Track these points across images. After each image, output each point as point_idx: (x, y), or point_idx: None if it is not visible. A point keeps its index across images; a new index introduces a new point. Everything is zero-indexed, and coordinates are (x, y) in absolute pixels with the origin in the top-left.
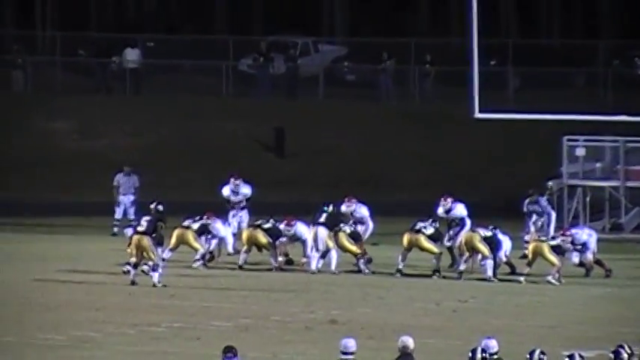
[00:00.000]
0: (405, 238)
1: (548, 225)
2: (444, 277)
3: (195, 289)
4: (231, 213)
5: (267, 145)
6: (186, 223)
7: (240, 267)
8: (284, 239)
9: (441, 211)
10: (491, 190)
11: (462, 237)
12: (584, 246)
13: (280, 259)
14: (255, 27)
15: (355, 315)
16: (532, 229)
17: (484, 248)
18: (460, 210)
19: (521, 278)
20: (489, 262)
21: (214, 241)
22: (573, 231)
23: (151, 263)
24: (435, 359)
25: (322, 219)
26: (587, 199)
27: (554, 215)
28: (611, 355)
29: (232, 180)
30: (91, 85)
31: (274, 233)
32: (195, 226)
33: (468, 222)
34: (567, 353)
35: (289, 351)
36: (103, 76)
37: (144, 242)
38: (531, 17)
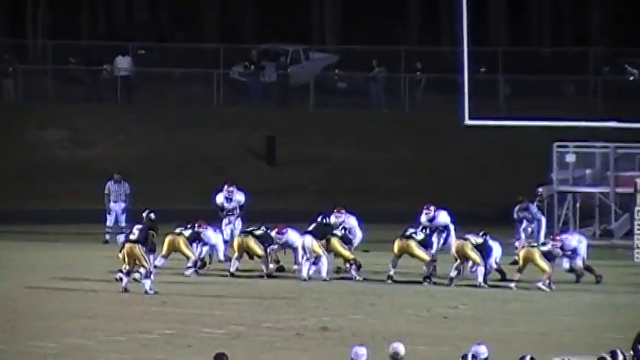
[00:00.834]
0: (396, 245)
1: (539, 231)
2: (435, 284)
3: (187, 296)
4: (225, 221)
5: (258, 154)
6: (177, 230)
7: (232, 274)
8: (275, 246)
9: (424, 219)
10: (482, 197)
11: (454, 245)
12: (574, 252)
13: (271, 266)
14: (245, 35)
15: (346, 322)
16: (522, 235)
17: (475, 256)
18: (443, 217)
19: (512, 284)
20: (480, 269)
21: (205, 249)
22: (563, 237)
23: (143, 271)
24: None
25: (311, 227)
26: (577, 205)
27: (544, 221)
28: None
29: (226, 187)
30: (82, 94)
31: (265, 240)
32: (187, 233)
33: (452, 229)
34: (558, 359)
35: (281, 358)
36: (94, 85)
37: (136, 251)
38: (521, 25)
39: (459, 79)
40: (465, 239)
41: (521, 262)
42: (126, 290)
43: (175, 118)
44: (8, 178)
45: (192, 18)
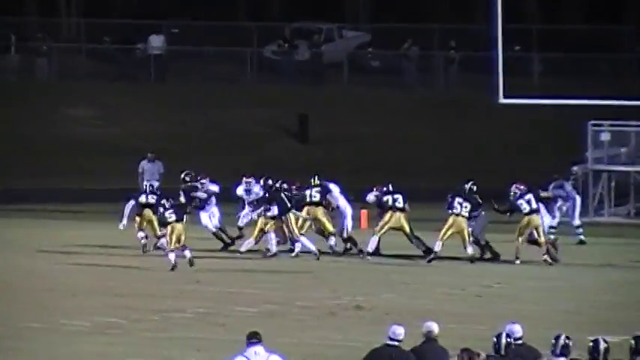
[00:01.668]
0: (453, 222)
1: (573, 210)
2: (471, 262)
3: (220, 274)
4: (243, 212)
5: (290, 132)
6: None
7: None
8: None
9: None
10: (515, 175)
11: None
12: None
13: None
14: (279, 13)
15: (380, 301)
16: (557, 214)
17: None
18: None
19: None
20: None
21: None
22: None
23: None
24: (459, 344)
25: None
26: (612, 184)
27: (579, 200)
28: (632, 341)
29: (244, 179)
30: (115, 72)
31: None
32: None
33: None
34: (592, 338)
35: (314, 336)
36: (127, 63)
37: (178, 228)
38: (555, 2)
39: (493, 57)
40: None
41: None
42: (174, 267)
43: (208, 97)
44: (41, 156)
45: None
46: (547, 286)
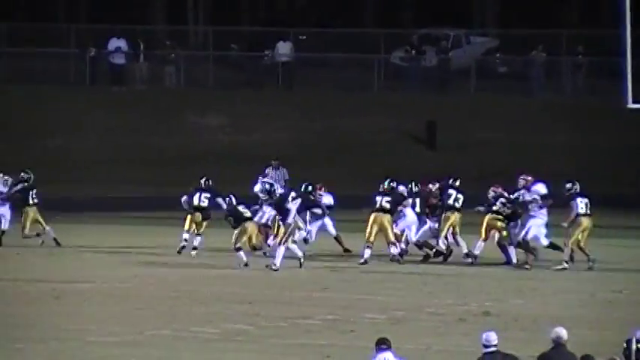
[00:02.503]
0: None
1: None
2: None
3: (348, 281)
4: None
5: (418, 139)
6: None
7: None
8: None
9: None
10: None
11: None
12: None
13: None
14: (405, 20)
15: (508, 307)
16: None
17: None
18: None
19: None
20: None
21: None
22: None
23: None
24: (588, 350)
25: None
26: None
27: None
28: None
29: (260, 179)
30: (243, 80)
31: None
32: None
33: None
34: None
35: (443, 343)
36: (255, 71)
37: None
38: None
39: (622, 63)
40: None
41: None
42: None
43: (335, 104)
44: (169, 164)
45: (352, 3)
46: None
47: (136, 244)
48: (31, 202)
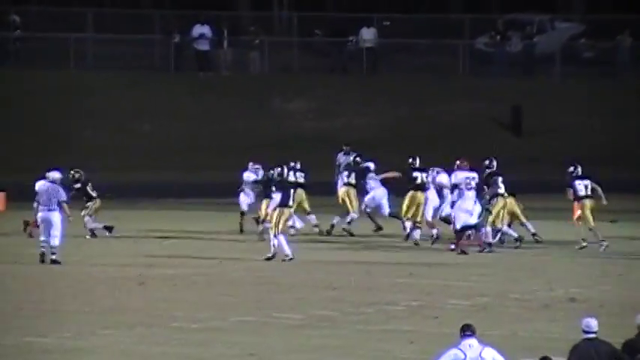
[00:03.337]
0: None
1: None
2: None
3: (433, 267)
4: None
5: (504, 124)
6: None
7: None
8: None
9: None
10: None
11: None
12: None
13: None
14: (491, 5)
15: (594, 292)
16: None
17: None
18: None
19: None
20: None
21: None
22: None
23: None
24: None
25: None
26: None
27: None
28: None
29: (251, 165)
30: (327, 65)
31: None
32: None
33: None
34: None
35: (528, 329)
36: (339, 56)
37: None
38: None
39: None
40: None
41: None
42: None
43: (420, 89)
44: (254, 149)
45: None
46: None
47: (221, 228)
48: (94, 195)
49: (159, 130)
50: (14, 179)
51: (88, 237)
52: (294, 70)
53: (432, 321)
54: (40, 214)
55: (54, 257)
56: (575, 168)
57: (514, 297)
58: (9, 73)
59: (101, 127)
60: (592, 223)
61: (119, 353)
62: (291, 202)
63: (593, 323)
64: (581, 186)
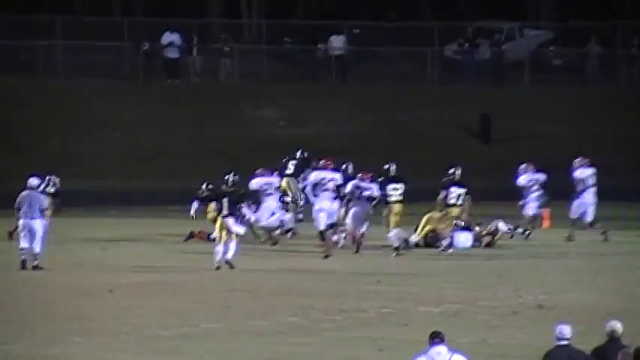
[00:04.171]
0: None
1: None
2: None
3: (401, 274)
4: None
5: (472, 132)
6: None
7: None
8: None
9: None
10: None
11: None
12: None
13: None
14: (460, 12)
15: (563, 299)
16: None
17: None
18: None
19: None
20: None
21: None
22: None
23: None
24: None
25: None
26: None
27: None
28: None
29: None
30: (297, 73)
31: None
32: None
33: None
34: None
35: (497, 336)
36: (309, 64)
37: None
38: None
39: None
40: None
41: None
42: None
43: (389, 97)
44: (224, 157)
45: None
46: None
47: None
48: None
49: (128, 137)
50: None
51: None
52: (264, 78)
53: (402, 328)
54: (21, 221)
55: (36, 263)
56: (455, 171)
57: (483, 304)
58: None
59: (71, 135)
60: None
61: None
62: (225, 212)
63: (566, 330)
64: (454, 194)
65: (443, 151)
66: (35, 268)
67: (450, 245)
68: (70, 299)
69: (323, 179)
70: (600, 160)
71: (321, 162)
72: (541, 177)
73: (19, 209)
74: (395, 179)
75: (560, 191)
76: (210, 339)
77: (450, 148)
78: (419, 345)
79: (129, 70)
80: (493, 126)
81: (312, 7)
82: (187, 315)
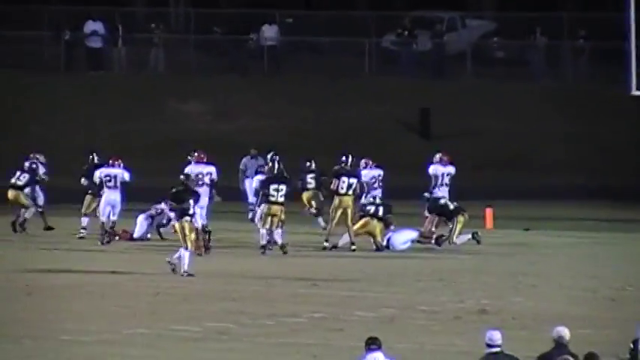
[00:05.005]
0: None
1: None
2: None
3: (337, 277)
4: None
5: (411, 127)
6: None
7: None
8: None
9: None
10: None
11: None
12: None
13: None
14: (397, 2)
15: (506, 304)
16: None
17: None
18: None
19: None
20: None
21: None
22: None
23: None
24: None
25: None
26: None
27: None
28: None
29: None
30: (226, 65)
31: None
32: None
33: None
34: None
35: (437, 342)
36: (239, 55)
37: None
38: None
39: (626, 47)
40: None
41: None
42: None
43: (324, 90)
44: (149, 151)
45: None
46: None
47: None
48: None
49: (48, 132)
50: None
51: None
52: (192, 70)
53: (336, 334)
54: None
55: None
56: (347, 159)
57: (422, 308)
58: None
59: None
60: (334, 224)
61: None
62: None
63: (496, 336)
64: (345, 184)
65: (380, 146)
66: None
67: (387, 247)
68: None
69: (199, 174)
70: (542, 158)
71: (195, 154)
72: (380, 173)
73: None
74: (278, 180)
75: (506, 190)
76: (134, 345)
77: (388, 144)
78: (354, 351)
79: (49, 61)
80: (433, 121)
81: None
82: (110, 319)
